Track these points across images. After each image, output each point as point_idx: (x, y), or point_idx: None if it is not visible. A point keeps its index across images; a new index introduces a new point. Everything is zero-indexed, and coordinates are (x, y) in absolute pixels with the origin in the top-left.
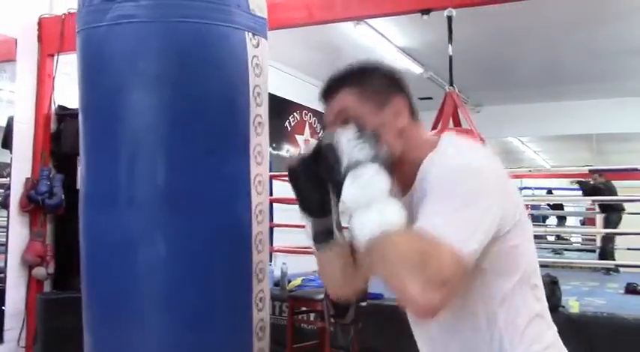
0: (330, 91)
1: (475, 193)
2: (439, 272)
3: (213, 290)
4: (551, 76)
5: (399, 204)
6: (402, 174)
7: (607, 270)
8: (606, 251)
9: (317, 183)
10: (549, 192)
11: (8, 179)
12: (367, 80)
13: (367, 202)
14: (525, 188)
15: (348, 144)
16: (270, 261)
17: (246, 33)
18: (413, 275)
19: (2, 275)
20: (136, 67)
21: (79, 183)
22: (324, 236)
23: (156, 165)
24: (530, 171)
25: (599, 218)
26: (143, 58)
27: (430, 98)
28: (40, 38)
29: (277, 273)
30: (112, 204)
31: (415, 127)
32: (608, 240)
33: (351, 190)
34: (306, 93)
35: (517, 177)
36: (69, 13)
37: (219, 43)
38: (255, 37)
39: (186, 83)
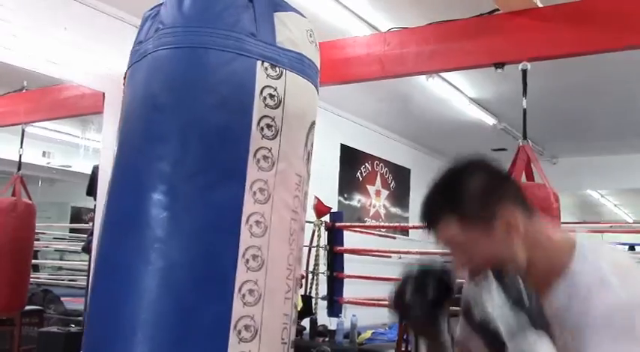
0: (428, 222)
1: None
2: None
3: (183, 337)
4: (630, 128)
5: None
6: (534, 277)
7: None
8: None
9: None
10: (631, 248)
11: (91, 225)
12: (462, 200)
13: None
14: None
15: (499, 310)
16: (340, 313)
17: (259, 61)
18: None
19: (81, 318)
20: (136, 96)
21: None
22: None
23: (135, 190)
24: (611, 226)
25: None
26: (141, 87)
27: (504, 149)
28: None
29: (347, 325)
30: (104, 230)
31: (534, 226)
32: None
33: None
34: (377, 143)
35: (597, 232)
36: None
37: (214, 67)
38: (277, 68)
39: (174, 106)
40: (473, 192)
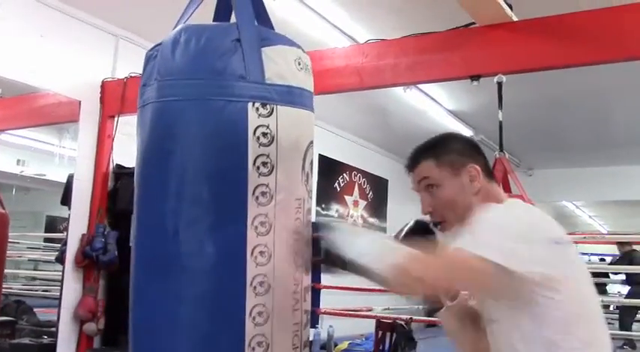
0: (412, 161)
1: (508, 229)
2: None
3: None
4: (605, 140)
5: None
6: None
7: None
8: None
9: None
10: (602, 259)
11: (65, 234)
12: (443, 150)
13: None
14: (583, 254)
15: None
16: (317, 324)
17: (249, 103)
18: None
19: (54, 329)
20: (147, 141)
21: None
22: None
23: (152, 231)
24: (585, 237)
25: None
26: (142, 136)
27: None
28: (102, 100)
29: (324, 336)
30: (135, 268)
31: (490, 186)
32: (627, 311)
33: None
34: (355, 154)
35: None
36: (130, 76)
37: (209, 116)
38: (267, 106)
39: (177, 155)
40: (450, 148)
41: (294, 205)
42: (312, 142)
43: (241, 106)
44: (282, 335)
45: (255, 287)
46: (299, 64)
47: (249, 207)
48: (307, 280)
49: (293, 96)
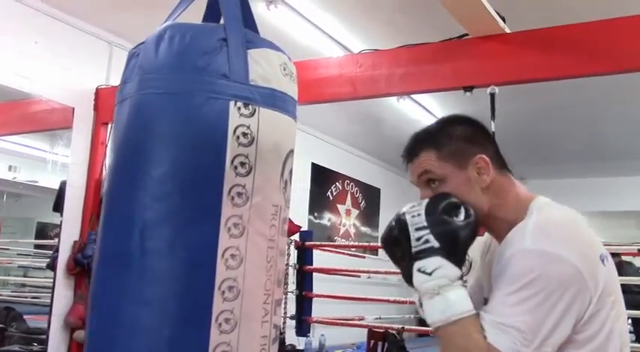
0: (410, 152)
1: (540, 287)
2: None
3: None
4: (596, 151)
5: (463, 290)
6: (494, 228)
7: None
8: None
9: (403, 256)
10: None
11: (56, 241)
12: (446, 139)
13: (434, 291)
14: None
15: (413, 228)
16: (309, 332)
17: (231, 102)
18: None
19: (44, 336)
20: (120, 137)
21: None
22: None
23: (119, 228)
24: None
25: None
26: (123, 129)
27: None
28: (96, 107)
29: (315, 345)
30: (96, 267)
31: (504, 179)
32: None
33: (418, 278)
34: (348, 163)
35: None
36: None
37: (187, 111)
38: (250, 106)
39: (151, 150)
40: (455, 135)
41: (270, 211)
42: (292, 151)
43: (223, 104)
44: (249, 347)
45: (223, 292)
46: (284, 70)
47: (223, 207)
48: (279, 293)
49: (276, 100)
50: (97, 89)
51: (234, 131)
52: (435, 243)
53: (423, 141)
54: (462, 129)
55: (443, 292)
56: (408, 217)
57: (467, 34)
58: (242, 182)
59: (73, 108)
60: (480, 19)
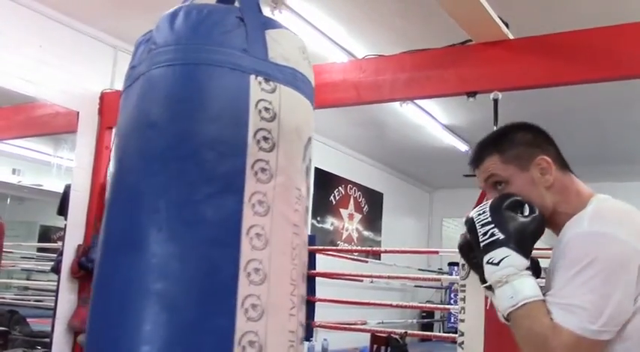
0: (476, 158)
1: (601, 267)
2: None
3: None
4: (600, 156)
5: (531, 279)
6: (557, 223)
7: None
8: None
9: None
10: None
11: (60, 244)
12: (508, 144)
13: (503, 280)
14: None
15: (479, 224)
16: (312, 337)
17: (252, 76)
18: None
19: (47, 339)
20: (130, 116)
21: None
22: None
23: (131, 208)
24: None
25: None
26: (135, 106)
27: (475, 175)
28: (100, 111)
29: (318, 349)
30: (103, 250)
31: (566, 178)
32: None
33: (488, 270)
34: (351, 167)
35: None
36: None
37: (207, 82)
38: (271, 82)
39: (168, 122)
40: (516, 140)
41: (294, 194)
42: (311, 139)
43: (244, 77)
44: (278, 340)
45: (249, 274)
46: (303, 53)
47: (247, 182)
48: (304, 288)
49: (297, 81)
50: (101, 93)
51: (256, 105)
52: (501, 235)
53: (487, 147)
54: (523, 134)
55: (511, 280)
56: (474, 215)
57: (470, 40)
58: (265, 157)
59: (78, 113)
60: (483, 25)
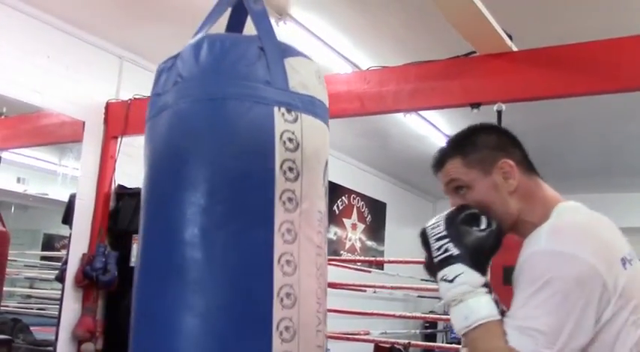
0: (437, 162)
1: (558, 288)
2: None
3: None
4: (604, 168)
5: (487, 297)
6: (522, 233)
7: None
8: None
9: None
10: None
11: (65, 253)
12: (470, 147)
13: (457, 298)
14: None
15: (433, 238)
16: None
17: (275, 107)
18: None
19: (51, 348)
20: (160, 148)
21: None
22: None
23: (169, 238)
24: None
25: None
26: (164, 139)
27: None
28: (106, 121)
29: None
30: (141, 278)
31: (531, 182)
32: None
33: (442, 287)
34: (355, 177)
35: None
36: (134, 98)
37: (234, 117)
38: (292, 112)
39: (199, 157)
40: (480, 143)
41: (316, 217)
42: (327, 161)
43: (268, 109)
44: None
45: (282, 299)
46: (319, 77)
47: (276, 212)
48: (325, 304)
49: (315, 107)
50: (107, 103)
51: (281, 136)
52: (455, 251)
53: (449, 150)
54: (486, 136)
55: (465, 299)
56: (428, 229)
57: (474, 52)
58: (292, 187)
59: (84, 122)
60: (487, 36)
